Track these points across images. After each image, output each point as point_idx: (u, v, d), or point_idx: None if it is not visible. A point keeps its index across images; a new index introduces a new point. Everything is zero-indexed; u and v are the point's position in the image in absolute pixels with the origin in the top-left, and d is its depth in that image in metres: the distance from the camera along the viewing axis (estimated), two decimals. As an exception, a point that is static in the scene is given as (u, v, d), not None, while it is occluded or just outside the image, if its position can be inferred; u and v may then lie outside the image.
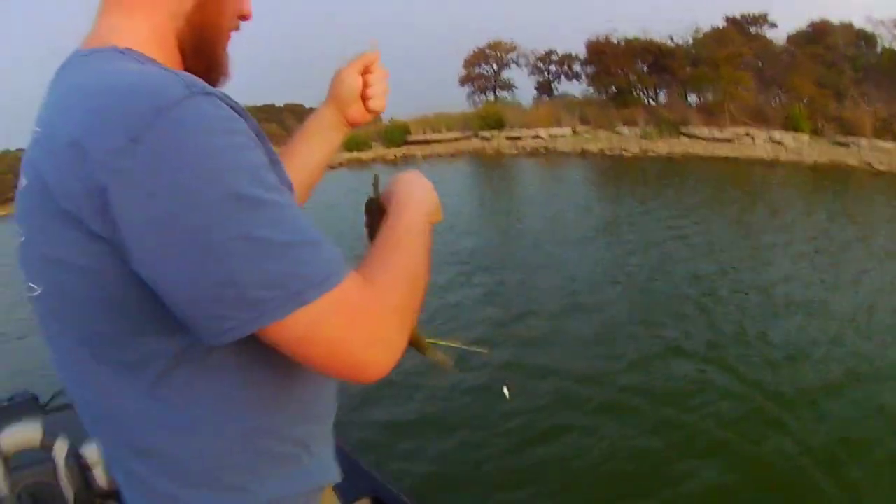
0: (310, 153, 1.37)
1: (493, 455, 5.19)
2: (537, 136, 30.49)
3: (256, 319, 0.77)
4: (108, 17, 0.95)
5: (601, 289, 9.42)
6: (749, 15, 30.82)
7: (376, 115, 1.42)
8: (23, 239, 0.88)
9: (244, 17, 1.06)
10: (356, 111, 1.37)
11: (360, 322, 0.83)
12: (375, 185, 1.20)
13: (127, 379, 0.88)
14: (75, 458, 3.37)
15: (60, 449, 3.35)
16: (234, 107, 0.83)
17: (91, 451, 3.37)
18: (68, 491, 3.34)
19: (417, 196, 1.10)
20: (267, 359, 0.89)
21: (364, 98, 1.36)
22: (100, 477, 3.38)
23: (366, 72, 1.35)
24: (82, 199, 0.76)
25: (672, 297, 8.78)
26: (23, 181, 0.87)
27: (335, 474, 1.13)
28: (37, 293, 0.89)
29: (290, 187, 0.88)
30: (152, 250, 0.75)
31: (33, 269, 0.88)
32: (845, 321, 7.25)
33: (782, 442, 4.96)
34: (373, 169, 27.81)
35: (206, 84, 0.82)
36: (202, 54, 1.01)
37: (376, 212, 1.16)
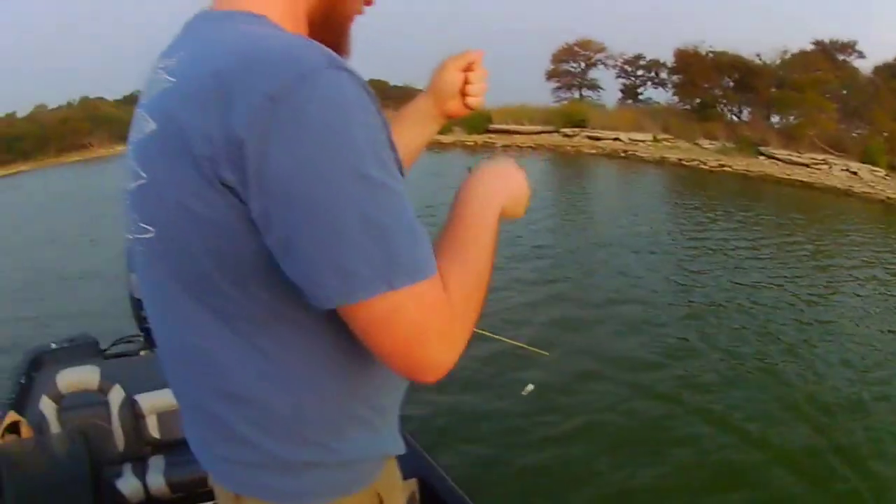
0: (409, 139, 1.40)
1: (520, 424, 5.70)
2: (618, 139, 30.61)
3: (349, 293, 0.81)
4: None
5: (656, 288, 10.13)
6: (837, 42, 30.60)
7: (472, 111, 1.46)
8: (142, 182, 0.90)
9: (368, 3, 1.10)
10: (454, 105, 1.42)
11: (433, 321, 0.86)
12: None
13: (227, 326, 0.92)
14: (130, 406, 3.46)
15: (116, 395, 3.44)
16: (366, 87, 0.85)
17: (146, 401, 3.50)
18: (120, 435, 3.41)
19: (493, 189, 1.10)
20: None
21: (463, 94, 1.41)
22: (152, 426, 3.49)
23: (467, 69, 1.39)
24: (220, 149, 0.79)
25: (724, 303, 9.45)
26: (149, 125, 0.89)
27: (401, 446, 1.16)
28: (150, 235, 0.92)
29: (401, 169, 0.89)
30: (272, 209, 0.80)
31: (150, 212, 0.91)
32: (877, 348, 7.87)
33: (817, 441, 5.57)
34: (451, 153, 28.61)
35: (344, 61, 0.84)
36: (329, 31, 1.04)
37: None
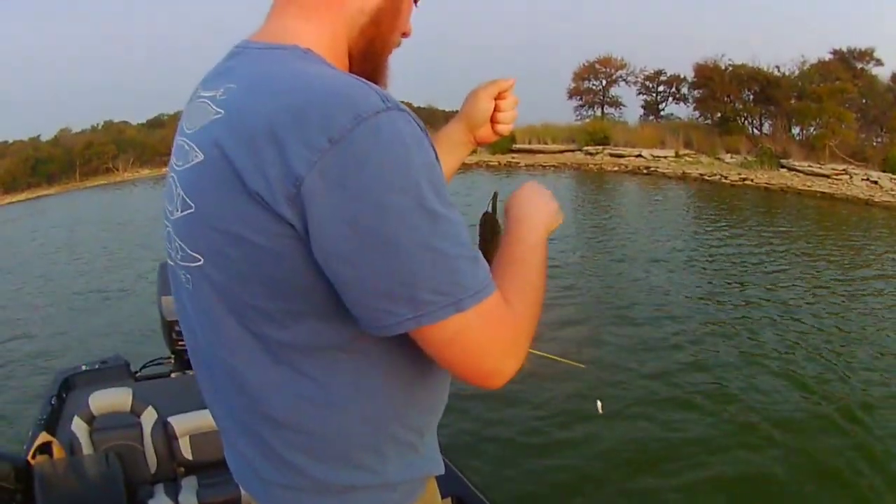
0: (443, 166, 1.26)
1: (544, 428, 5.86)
2: (640, 156, 30.55)
3: (420, 318, 0.86)
4: (283, 18, 1.03)
5: (677, 299, 10.33)
6: (855, 50, 30.14)
7: (502, 137, 1.49)
8: (191, 211, 0.93)
9: (405, 35, 1.14)
10: (484, 132, 1.46)
11: (500, 333, 0.92)
12: (494, 201, 1.28)
13: (275, 352, 0.96)
14: (162, 427, 3.44)
15: (149, 416, 3.43)
16: (420, 123, 0.89)
17: (178, 423, 3.45)
18: (152, 457, 3.39)
19: (537, 210, 1.18)
20: (409, 351, 0.96)
21: (493, 121, 1.45)
22: (184, 448, 3.43)
23: (499, 97, 1.43)
24: (276, 185, 0.82)
25: (746, 313, 9.60)
26: (196, 156, 0.92)
27: (441, 466, 1.19)
28: (199, 263, 0.95)
29: None
30: (339, 245, 0.83)
31: (200, 241, 0.93)
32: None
33: (839, 443, 5.66)
34: (475, 173, 28.91)
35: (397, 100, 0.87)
36: (369, 63, 1.08)
37: (490, 228, 1.25)
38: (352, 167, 0.81)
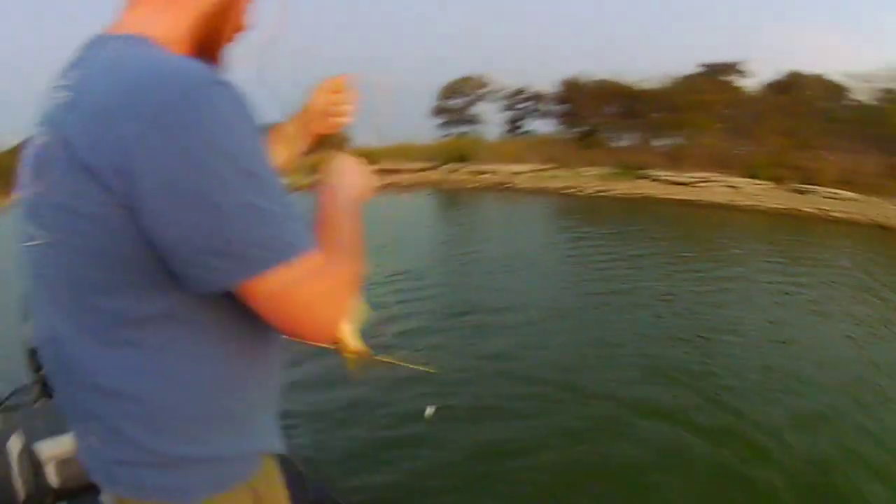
0: (273, 155, 1.31)
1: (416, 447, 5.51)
2: (499, 172, 30.55)
3: (244, 271, 0.90)
4: (137, 10, 1.05)
5: (527, 300, 10.18)
6: (721, 64, 31.09)
7: (338, 130, 1.51)
8: (36, 190, 0.95)
9: (243, 30, 1.18)
10: (320, 125, 1.49)
11: (323, 286, 0.96)
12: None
13: (111, 325, 0.96)
14: (29, 455, 3.34)
15: (14, 445, 3.37)
16: (243, 98, 0.92)
17: (44, 449, 3.33)
18: (19, 485, 3.30)
19: (347, 183, 1.23)
20: (240, 323, 1.00)
21: (329, 115, 1.48)
22: (52, 474, 3.32)
23: (336, 91, 1.47)
24: (106, 158, 0.85)
25: (589, 307, 9.83)
26: (42, 138, 0.95)
27: (278, 444, 1.21)
28: (44, 241, 0.96)
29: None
30: (165, 209, 0.85)
31: (43, 219, 0.95)
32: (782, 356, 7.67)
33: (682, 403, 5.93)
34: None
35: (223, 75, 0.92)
36: (210, 51, 1.12)
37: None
38: (176, 137, 0.84)
